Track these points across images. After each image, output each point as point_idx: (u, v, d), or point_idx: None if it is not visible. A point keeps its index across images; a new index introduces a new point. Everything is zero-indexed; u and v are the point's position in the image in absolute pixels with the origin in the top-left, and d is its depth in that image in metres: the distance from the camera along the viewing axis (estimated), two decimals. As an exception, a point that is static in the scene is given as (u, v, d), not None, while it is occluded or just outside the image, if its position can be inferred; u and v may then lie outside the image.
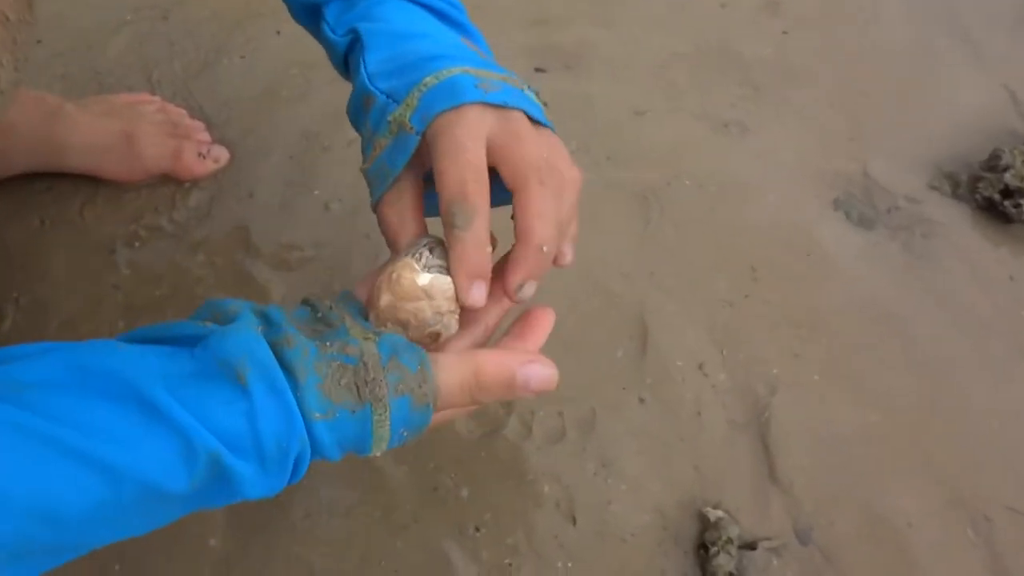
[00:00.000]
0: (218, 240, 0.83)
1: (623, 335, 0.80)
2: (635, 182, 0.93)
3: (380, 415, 0.41)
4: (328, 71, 0.66)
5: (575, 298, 0.83)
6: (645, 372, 0.78)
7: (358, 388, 0.40)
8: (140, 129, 0.85)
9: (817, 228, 0.91)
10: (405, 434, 0.42)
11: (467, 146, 0.44)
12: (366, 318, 0.46)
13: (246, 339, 0.39)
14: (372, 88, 0.49)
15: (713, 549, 0.68)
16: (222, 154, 0.89)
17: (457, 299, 0.45)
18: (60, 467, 0.34)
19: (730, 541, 0.68)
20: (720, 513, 0.70)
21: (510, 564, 0.67)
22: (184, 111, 0.91)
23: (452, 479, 0.71)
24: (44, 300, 0.78)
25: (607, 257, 0.87)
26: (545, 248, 0.44)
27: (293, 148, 0.92)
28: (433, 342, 0.47)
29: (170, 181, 0.87)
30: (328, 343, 0.42)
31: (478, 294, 0.44)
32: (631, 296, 0.83)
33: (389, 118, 0.47)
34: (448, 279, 0.45)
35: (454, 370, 0.43)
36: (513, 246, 0.45)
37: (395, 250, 0.48)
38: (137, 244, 0.83)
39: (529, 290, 0.45)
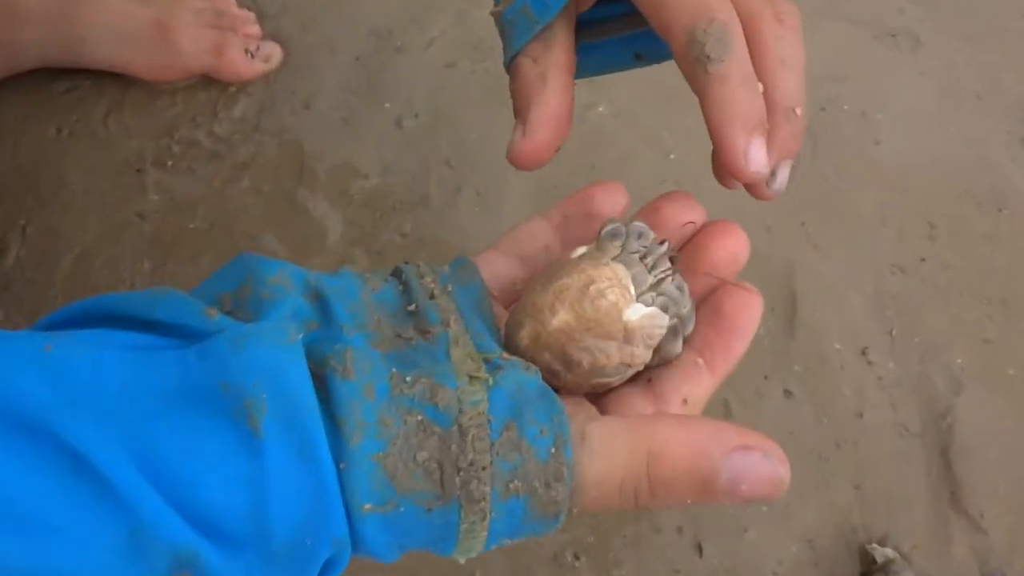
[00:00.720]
0: (266, 161, 0.71)
1: (765, 306, 0.65)
2: None
3: (473, 522, 0.27)
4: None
5: (705, 254, 0.67)
6: (793, 356, 0.65)
7: (442, 472, 0.26)
8: (176, 17, 0.73)
9: (1011, 174, 0.75)
10: (509, 543, 0.28)
11: None
12: (489, 324, 0.32)
13: (272, 356, 0.26)
14: None
15: (880, 599, 0.55)
16: (274, 52, 0.76)
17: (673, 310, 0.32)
18: None
19: (902, 590, 0.55)
20: (889, 552, 0.57)
21: (618, 603, 0.55)
22: (231, -3, 0.79)
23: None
24: (55, 229, 0.67)
25: (743, 204, 0.70)
26: (798, 111, 0.33)
27: (360, 48, 0.79)
28: (589, 390, 0.32)
29: (211, 85, 0.75)
30: (408, 377, 0.27)
31: (759, 156, 0.32)
32: (776, 256, 0.69)
33: None
34: (665, 321, 0.32)
35: (614, 454, 0.28)
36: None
37: (522, 119, 0.36)
38: (170, 163, 0.71)
39: (784, 177, 0.34)
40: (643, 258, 0.33)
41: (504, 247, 0.36)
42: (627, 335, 0.31)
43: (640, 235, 0.34)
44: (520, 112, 0.36)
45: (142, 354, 0.26)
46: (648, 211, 0.36)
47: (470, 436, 0.26)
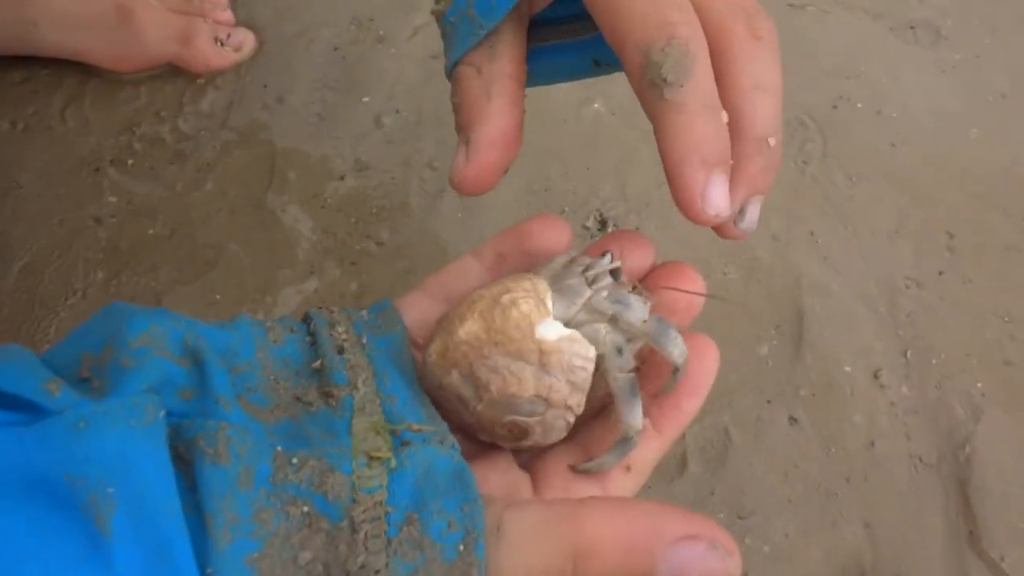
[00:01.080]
0: (234, 162, 0.67)
1: (769, 324, 0.63)
2: (788, 103, 0.72)
3: None
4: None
5: (703, 268, 0.63)
6: (799, 379, 0.61)
7: None
8: (140, 1, 0.69)
9: None
10: None
11: None
12: (409, 378, 0.29)
13: (120, 443, 0.22)
14: None
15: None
16: (246, 41, 0.72)
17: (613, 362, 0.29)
18: None
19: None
20: (903, 599, 0.51)
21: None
22: (200, -20, 0.75)
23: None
24: (2, 234, 0.62)
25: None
26: (772, 141, 0.30)
27: (339, 37, 0.75)
28: (511, 440, 0.29)
29: (178, 76, 0.71)
30: (295, 459, 0.24)
31: (718, 196, 0.29)
32: (781, 268, 0.65)
33: None
34: (591, 352, 0.28)
35: (536, 551, 0.24)
36: None
37: (465, 138, 0.33)
38: (130, 162, 0.67)
39: (754, 215, 0.31)
40: (585, 272, 0.30)
41: (430, 289, 0.33)
42: (543, 358, 0.28)
43: (598, 268, 0.31)
44: (463, 130, 0.32)
45: None
46: (592, 252, 0.33)
47: (363, 533, 0.23)
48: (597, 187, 0.66)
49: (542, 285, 0.29)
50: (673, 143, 0.28)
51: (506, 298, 0.28)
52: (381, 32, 0.74)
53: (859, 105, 0.74)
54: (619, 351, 0.29)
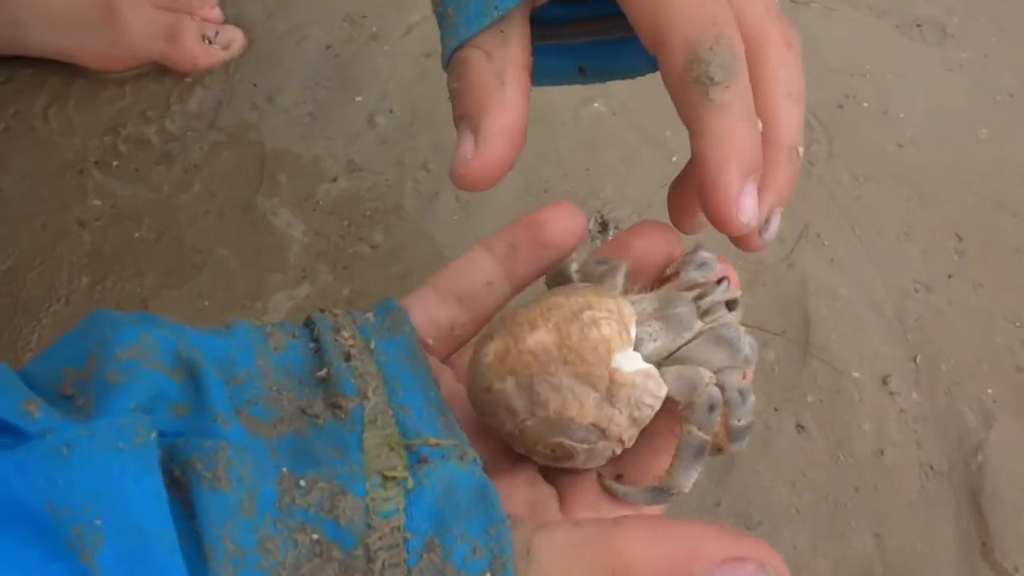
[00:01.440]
0: (222, 163, 0.66)
1: (775, 329, 0.62)
2: None
3: None
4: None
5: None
6: (805, 385, 0.60)
7: None
8: None
9: None
10: None
11: None
12: (423, 383, 0.28)
13: (107, 470, 0.21)
14: None
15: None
16: (235, 38, 0.71)
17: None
18: None
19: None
20: (915, 614, 0.50)
21: None
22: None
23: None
24: None
25: (755, 211, 0.65)
26: (801, 151, 0.31)
27: (331, 35, 0.74)
28: (549, 460, 0.28)
29: (165, 75, 0.71)
30: (303, 481, 0.22)
31: (752, 205, 0.28)
32: (787, 272, 0.64)
33: None
34: (662, 392, 0.27)
35: (568, 573, 0.23)
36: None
37: (473, 126, 0.30)
38: (115, 163, 0.66)
39: (776, 225, 0.31)
40: (698, 300, 0.29)
41: (439, 285, 0.31)
42: (612, 388, 0.26)
43: (702, 264, 0.30)
44: (469, 117, 0.30)
45: None
46: (615, 246, 0.32)
47: (379, 563, 0.21)
48: (597, 188, 0.65)
49: (628, 309, 0.27)
50: (714, 147, 0.27)
51: (587, 315, 0.26)
52: (374, 29, 0.73)
53: (865, 104, 0.73)
54: (711, 409, 0.27)
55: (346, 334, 0.27)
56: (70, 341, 0.24)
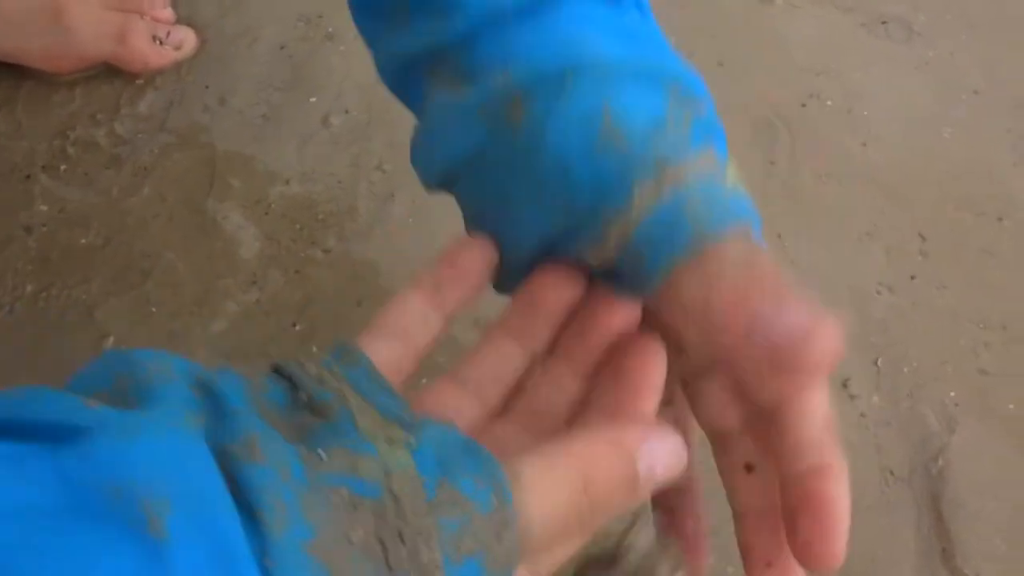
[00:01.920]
0: (173, 165, 0.64)
1: None
2: (757, 101, 0.73)
3: None
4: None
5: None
6: None
7: (384, 548, 0.24)
8: None
9: (1013, 180, 0.70)
10: None
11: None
12: (390, 392, 0.30)
13: (171, 444, 0.23)
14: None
15: None
16: (187, 39, 0.70)
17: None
18: None
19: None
20: (873, 622, 0.50)
21: None
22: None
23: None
24: None
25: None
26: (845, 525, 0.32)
27: (285, 35, 0.72)
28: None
29: (116, 76, 0.69)
30: (323, 452, 0.25)
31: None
32: None
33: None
34: None
35: (553, 489, 0.27)
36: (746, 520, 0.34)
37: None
38: (63, 167, 0.64)
39: None
40: None
41: (379, 329, 0.33)
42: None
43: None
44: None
45: (13, 459, 0.21)
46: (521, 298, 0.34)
47: (405, 501, 0.24)
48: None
49: None
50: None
51: None
52: (330, 29, 0.72)
53: (829, 103, 0.72)
54: None
55: (311, 367, 0.30)
56: (87, 376, 0.26)
